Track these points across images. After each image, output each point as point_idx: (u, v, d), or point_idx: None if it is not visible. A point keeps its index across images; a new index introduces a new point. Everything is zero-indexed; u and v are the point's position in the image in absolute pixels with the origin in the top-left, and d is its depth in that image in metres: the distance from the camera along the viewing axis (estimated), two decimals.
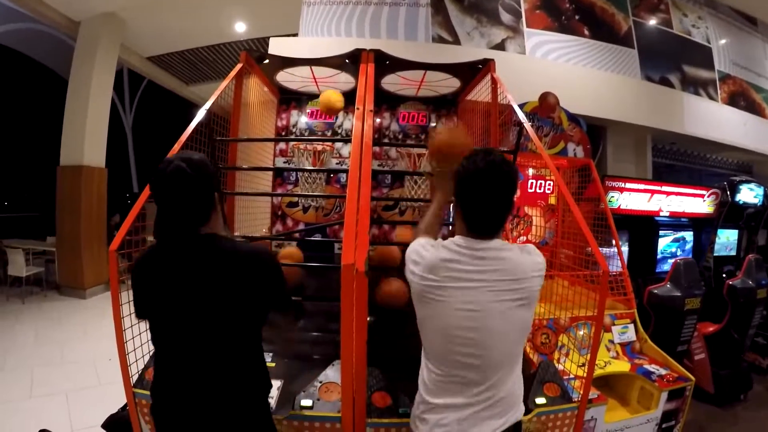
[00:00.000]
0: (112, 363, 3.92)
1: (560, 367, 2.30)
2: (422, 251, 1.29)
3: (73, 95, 6.56)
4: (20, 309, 5.74)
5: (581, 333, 2.61)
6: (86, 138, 6.41)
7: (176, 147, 1.93)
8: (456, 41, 5.04)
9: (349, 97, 3.08)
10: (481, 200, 1.26)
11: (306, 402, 1.65)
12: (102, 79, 6.69)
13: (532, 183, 3.60)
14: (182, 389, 1.28)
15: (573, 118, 3.67)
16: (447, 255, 1.26)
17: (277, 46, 4.37)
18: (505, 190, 1.26)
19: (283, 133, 3.20)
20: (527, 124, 2.16)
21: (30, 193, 11.28)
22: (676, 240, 4.74)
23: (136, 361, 1.73)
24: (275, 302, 1.38)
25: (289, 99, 3.23)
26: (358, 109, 2.06)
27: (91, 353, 4.31)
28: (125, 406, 1.84)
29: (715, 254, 4.78)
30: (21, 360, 4.11)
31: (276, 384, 1.78)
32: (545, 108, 3.32)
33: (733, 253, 5.05)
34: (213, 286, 1.23)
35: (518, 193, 3.11)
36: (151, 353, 1.76)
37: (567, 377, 2.14)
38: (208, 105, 2.17)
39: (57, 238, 6.70)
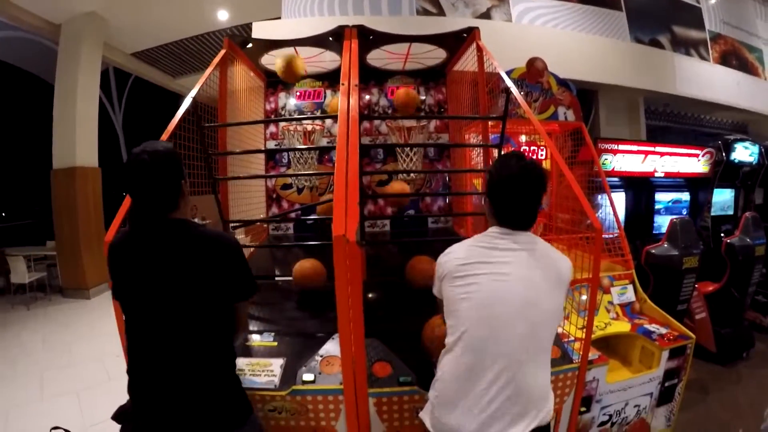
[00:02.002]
0: (120, 360, 3.98)
1: (559, 330, 2.32)
2: (453, 247, 1.40)
3: (60, 98, 6.52)
4: (26, 315, 5.76)
5: (583, 297, 2.62)
6: (77, 139, 6.38)
7: (164, 137, 1.93)
8: (441, 12, 5.01)
9: (336, 75, 3.08)
10: (515, 202, 1.34)
11: (308, 376, 1.66)
12: (88, 79, 6.64)
13: (524, 150, 3.58)
14: (153, 369, 1.32)
15: (562, 82, 3.64)
16: (481, 238, 1.37)
17: (261, 30, 4.35)
18: (536, 192, 1.34)
19: (272, 116, 3.18)
20: (515, 90, 2.15)
21: (26, 200, 11.27)
22: (674, 201, 4.76)
23: None
24: (239, 286, 1.41)
25: (276, 82, 3.20)
26: (343, 84, 2.05)
27: (98, 351, 4.34)
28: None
29: (712, 214, 4.80)
30: (30, 365, 4.14)
31: (278, 362, 1.79)
32: (533, 73, 3.30)
33: (731, 212, 5.08)
34: (178, 269, 1.29)
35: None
36: None
37: (568, 340, 2.16)
38: (193, 93, 2.16)
39: (56, 241, 6.70)
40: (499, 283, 1.26)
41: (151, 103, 11.41)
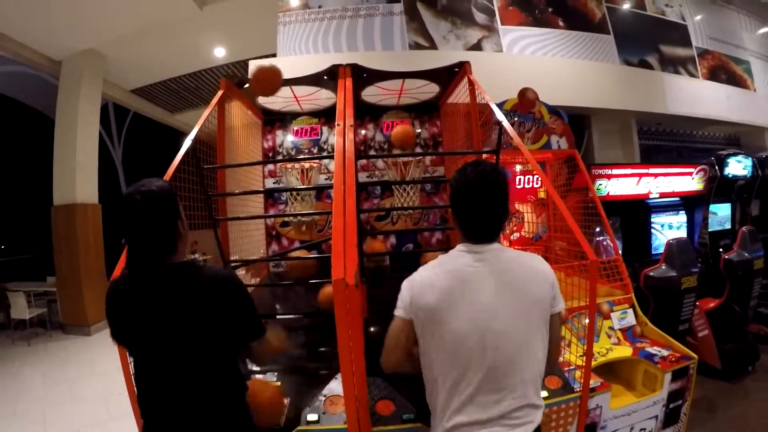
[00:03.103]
0: (122, 398, 3.95)
1: (561, 359, 2.33)
2: (424, 271, 1.36)
3: (60, 134, 6.58)
4: (26, 351, 5.73)
5: (585, 322, 2.64)
6: (77, 176, 6.43)
7: (165, 178, 1.96)
8: (432, 46, 5.11)
9: (332, 112, 3.13)
10: (475, 209, 1.32)
11: (312, 416, 1.68)
12: (88, 115, 6.72)
13: (520, 179, 3.63)
14: (164, 413, 1.31)
15: (554, 110, 3.70)
16: (449, 264, 1.33)
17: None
18: (496, 197, 1.32)
19: (270, 154, 3.23)
20: (506, 123, 2.20)
21: (26, 235, 11.29)
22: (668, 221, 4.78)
23: None
24: (245, 327, 1.40)
25: (273, 120, 3.27)
26: (338, 125, 2.09)
27: (101, 389, 4.31)
28: None
29: (710, 229, 4.81)
30: (32, 402, 4.11)
31: (283, 402, 1.81)
32: (525, 104, 3.35)
33: (728, 226, 5.09)
34: (179, 314, 1.25)
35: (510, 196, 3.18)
36: None
37: (569, 368, 2.17)
38: (192, 134, 2.20)
39: (57, 277, 6.69)
40: (474, 316, 1.24)
41: (151, 139, 11.48)
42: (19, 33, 5.90)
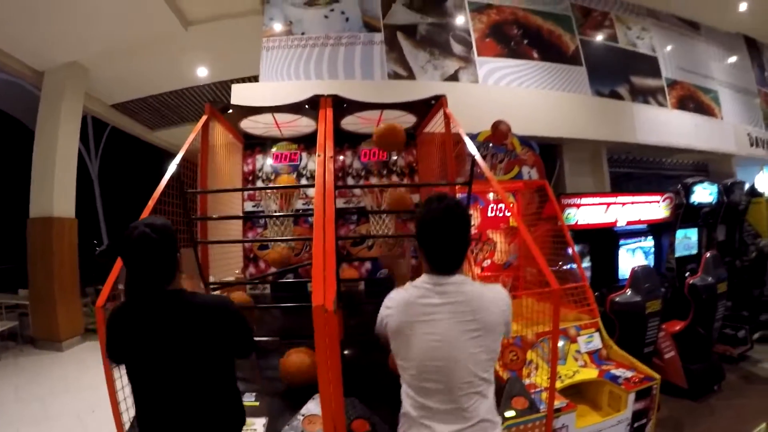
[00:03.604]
0: (96, 415, 3.91)
1: (529, 381, 2.43)
2: (393, 295, 1.51)
3: (40, 146, 6.51)
4: None
5: (549, 347, 2.73)
6: (55, 189, 6.35)
7: (150, 203, 2.02)
8: (411, 76, 5.23)
9: (311, 138, 3.23)
10: (440, 242, 1.43)
11: None
12: (68, 128, 6.65)
13: (492, 207, 3.75)
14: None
15: (526, 142, 3.84)
16: (415, 293, 1.45)
17: (239, 93, 4.50)
18: (460, 231, 1.44)
19: (250, 178, 3.29)
20: (478, 156, 2.31)
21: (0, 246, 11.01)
22: (636, 247, 4.94)
23: (127, 409, 1.76)
24: (240, 348, 1.53)
25: (254, 144, 3.33)
26: (319, 156, 2.17)
27: (74, 406, 4.23)
28: None
29: (677, 254, 4.97)
30: (4, 418, 4.03)
31: (261, 421, 1.88)
32: (498, 136, 3.49)
33: (695, 251, 5.24)
34: (181, 339, 1.37)
35: (473, 230, 3.35)
36: None
37: (537, 390, 2.27)
38: (177, 159, 2.24)
39: (30, 290, 6.55)
40: (433, 344, 1.37)
41: (128, 154, 11.37)
42: (2, 41, 5.86)
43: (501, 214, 3.75)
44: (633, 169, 7.21)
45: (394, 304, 1.48)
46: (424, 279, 1.47)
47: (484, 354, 1.40)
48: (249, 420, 1.82)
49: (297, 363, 2.11)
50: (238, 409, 1.54)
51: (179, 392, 1.38)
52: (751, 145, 7.82)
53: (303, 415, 1.86)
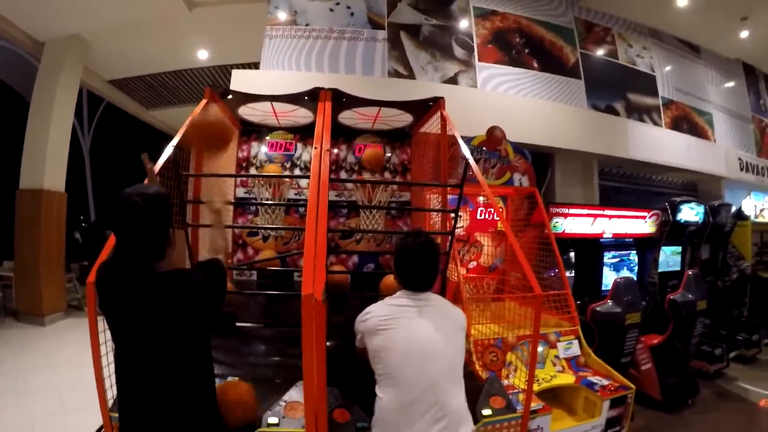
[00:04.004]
0: (76, 391, 3.90)
1: (507, 382, 2.47)
2: (372, 306, 1.71)
3: (34, 117, 6.43)
4: None
5: (529, 350, 2.78)
6: (47, 162, 6.30)
7: (146, 181, 2.01)
8: (411, 75, 5.25)
9: (307, 130, 3.25)
10: (413, 270, 1.71)
11: (272, 419, 1.80)
12: (64, 101, 6.60)
13: (481, 211, 3.80)
14: (141, 400, 1.36)
15: (519, 150, 3.89)
16: (393, 300, 1.70)
17: (239, 79, 4.49)
18: (430, 263, 1.72)
19: (244, 164, 3.30)
20: (471, 160, 2.34)
21: None
22: (620, 260, 5.01)
23: (111, 386, 1.74)
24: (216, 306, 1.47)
25: (250, 131, 3.33)
26: (315, 148, 2.19)
27: (54, 381, 4.22)
28: (99, 429, 1.89)
29: (660, 270, 5.06)
30: None
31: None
32: (492, 141, 3.53)
33: (678, 268, 5.31)
34: (164, 318, 1.31)
35: (461, 232, 3.57)
36: None
37: (514, 391, 2.32)
38: (174, 141, 2.25)
39: (15, 262, 6.49)
40: (411, 334, 1.58)
41: (121, 132, 11.24)
42: (4, 8, 5.78)
43: (489, 218, 3.80)
44: (623, 183, 7.27)
45: (371, 309, 1.69)
46: (399, 293, 1.72)
47: (458, 350, 1.66)
48: None
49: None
50: (211, 381, 1.49)
51: (156, 366, 1.33)
52: (741, 169, 7.95)
53: (285, 402, 1.90)
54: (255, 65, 5.11)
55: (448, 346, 1.61)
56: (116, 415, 1.69)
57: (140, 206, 1.27)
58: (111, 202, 1.33)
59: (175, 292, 1.33)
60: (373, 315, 1.65)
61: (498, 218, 3.65)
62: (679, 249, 5.35)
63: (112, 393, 1.76)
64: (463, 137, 2.55)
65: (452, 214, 2.43)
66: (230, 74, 4.59)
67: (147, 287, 1.31)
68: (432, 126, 3.03)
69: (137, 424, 1.36)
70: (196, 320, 1.37)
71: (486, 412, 2.05)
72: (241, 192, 3.28)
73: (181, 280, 1.37)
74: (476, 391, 2.13)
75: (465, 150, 2.41)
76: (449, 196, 2.96)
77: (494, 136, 3.39)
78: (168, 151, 2.19)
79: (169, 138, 2.30)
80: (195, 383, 1.40)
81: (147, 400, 1.35)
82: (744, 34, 7.52)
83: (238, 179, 3.29)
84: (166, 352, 1.33)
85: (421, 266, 1.71)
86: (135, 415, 1.37)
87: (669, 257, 5.21)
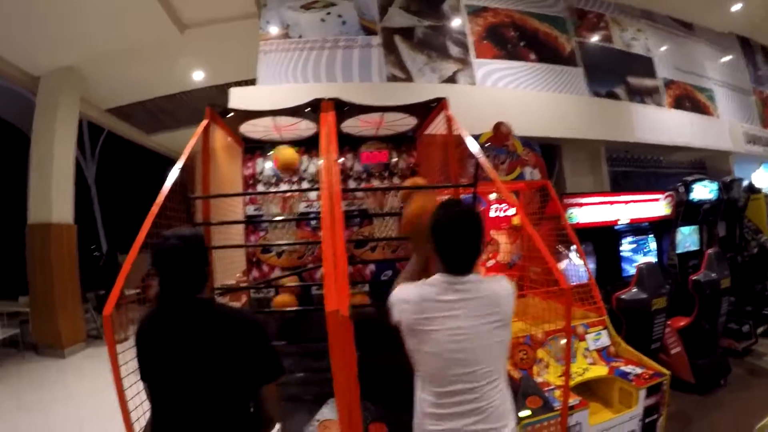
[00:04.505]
0: (99, 423, 3.87)
1: (540, 379, 2.42)
2: (408, 291, 1.52)
3: (36, 152, 6.47)
4: None
5: (559, 343, 2.74)
6: (53, 195, 6.32)
7: (154, 209, 1.98)
8: (409, 78, 5.24)
9: (311, 141, 3.22)
10: (455, 245, 1.49)
11: None
12: (65, 133, 6.62)
13: (495, 207, 3.75)
14: None
15: (527, 143, 3.85)
16: (430, 290, 1.48)
17: (238, 96, 4.48)
18: (474, 234, 1.51)
19: (251, 182, 3.26)
20: (481, 158, 2.30)
21: None
22: (637, 245, 4.95)
23: (138, 419, 1.71)
24: (264, 367, 1.48)
25: (254, 148, 3.30)
26: (323, 160, 2.15)
27: (77, 415, 4.20)
28: None
29: (678, 251, 4.99)
30: (6, 426, 4.00)
31: (276, 427, 1.86)
32: (499, 137, 3.49)
33: (696, 247, 5.26)
34: (208, 348, 1.36)
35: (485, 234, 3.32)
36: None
37: (548, 388, 2.27)
38: (179, 164, 2.22)
39: (30, 297, 6.50)
40: (452, 338, 1.41)
41: (125, 159, 11.32)
42: None
43: (503, 215, 3.75)
44: (632, 167, 7.23)
45: (410, 298, 1.49)
46: (438, 278, 1.50)
47: (503, 346, 1.51)
48: None
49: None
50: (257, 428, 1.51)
51: (200, 404, 1.37)
52: (748, 142, 7.89)
53: (318, 421, 1.87)
54: (252, 82, 5.11)
55: (490, 347, 1.45)
56: None
57: (181, 248, 1.40)
58: (151, 245, 1.47)
59: (219, 317, 1.44)
60: (408, 308, 1.46)
61: (514, 214, 3.60)
62: (695, 228, 5.27)
63: (139, 426, 1.71)
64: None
65: None
66: (228, 93, 4.58)
67: (190, 314, 1.41)
68: (437, 127, 2.98)
69: None
70: (239, 351, 1.40)
71: (524, 413, 2.00)
72: (250, 210, 3.24)
73: (223, 309, 1.52)
74: (512, 392, 2.07)
75: (474, 148, 2.36)
76: (462, 197, 2.91)
77: (501, 131, 3.35)
78: (174, 175, 2.16)
79: (173, 162, 2.27)
80: (236, 421, 1.42)
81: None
82: (736, 7, 7.52)
83: (247, 197, 3.26)
84: (210, 385, 1.37)
85: (462, 242, 1.49)
86: None
87: (686, 237, 5.13)
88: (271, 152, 3.24)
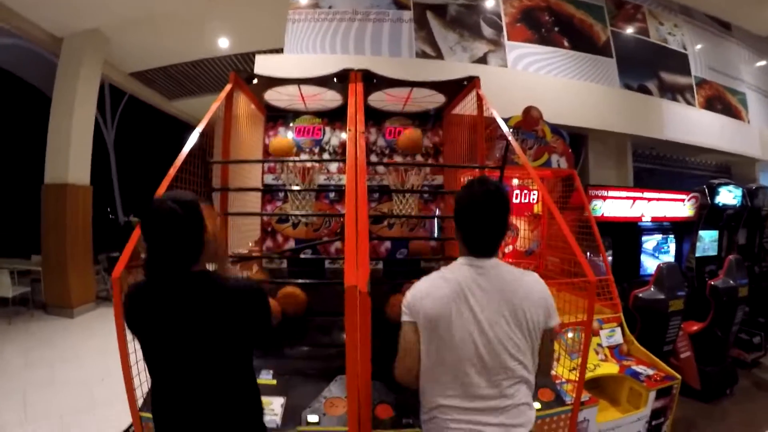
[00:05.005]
0: (105, 384, 3.92)
1: (552, 372, 2.37)
2: (425, 284, 1.42)
3: (56, 113, 6.49)
4: (7, 329, 5.64)
5: (570, 336, 2.69)
6: (71, 156, 6.36)
7: (171, 171, 1.95)
8: (439, 56, 5.15)
9: (334, 114, 3.16)
10: (480, 225, 1.40)
11: (312, 418, 1.72)
12: (86, 96, 6.64)
13: (516, 193, 3.68)
14: (179, 420, 1.32)
15: (556, 130, 3.76)
16: (451, 274, 1.40)
17: (263, 64, 4.44)
18: (500, 215, 1.40)
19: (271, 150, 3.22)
20: (513, 141, 2.23)
21: (14, 211, 11.07)
22: (656, 243, 4.86)
23: (141, 384, 1.70)
24: (260, 337, 1.42)
25: (276, 117, 3.25)
26: (350, 131, 2.09)
27: (83, 374, 4.26)
28: (128, 428, 1.85)
29: (697, 255, 4.90)
30: (12, 382, 4.05)
31: (279, 401, 1.84)
32: (529, 122, 3.41)
33: (714, 253, 5.18)
34: (203, 323, 1.26)
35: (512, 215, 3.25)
36: None
37: (559, 381, 2.22)
38: (200, 128, 2.18)
39: (42, 257, 6.59)
40: (474, 327, 1.32)
41: (145, 124, 11.37)
42: (22, 6, 5.79)
43: (525, 201, 3.69)
44: (656, 165, 7.13)
45: (426, 288, 1.41)
46: (461, 261, 1.43)
47: (524, 339, 1.36)
48: (266, 399, 1.77)
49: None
50: (255, 399, 1.43)
51: (197, 378, 1.29)
52: None
53: (325, 398, 1.82)
54: (277, 51, 5.05)
55: (517, 329, 1.33)
56: (146, 415, 1.65)
57: (177, 213, 1.23)
58: (142, 210, 1.29)
59: (213, 293, 1.30)
60: (429, 300, 1.36)
61: (544, 202, 3.54)
62: (716, 233, 5.16)
63: (141, 392, 1.71)
64: None
65: None
66: (252, 62, 4.55)
67: (183, 289, 1.28)
68: (465, 107, 2.91)
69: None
70: (239, 328, 1.30)
71: (536, 406, 1.95)
72: (269, 179, 3.21)
73: (219, 282, 1.34)
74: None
75: (506, 130, 2.29)
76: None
77: (531, 116, 3.26)
78: (194, 138, 2.12)
79: (193, 129, 2.23)
80: (236, 396, 1.35)
81: (185, 413, 1.31)
82: None
83: (266, 166, 3.22)
84: (207, 363, 1.29)
85: (489, 221, 1.39)
86: (169, 423, 1.33)
87: (705, 242, 5.04)
88: (292, 123, 3.21)
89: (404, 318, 1.42)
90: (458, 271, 1.40)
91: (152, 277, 1.32)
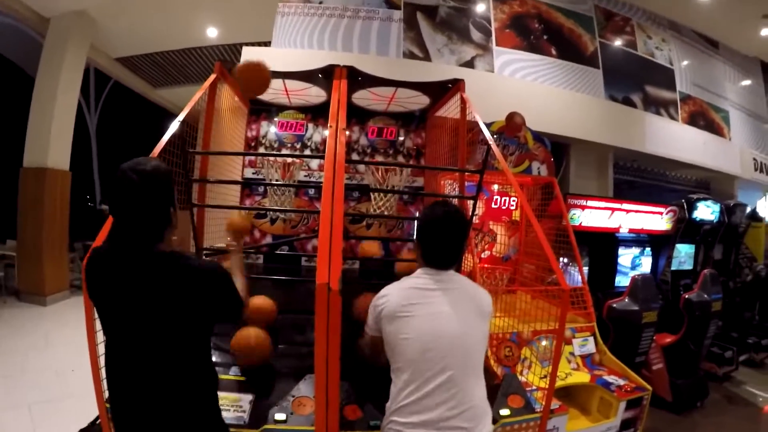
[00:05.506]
0: (76, 375, 3.83)
1: (523, 379, 2.38)
2: (388, 288, 1.54)
3: (39, 94, 6.33)
4: None
5: (543, 344, 2.70)
6: (51, 140, 6.20)
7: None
8: (426, 57, 5.15)
9: (318, 110, 3.14)
10: (439, 243, 1.53)
11: (280, 416, 1.70)
12: (70, 79, 6.48)
13: (496, 199, 3.69)
14: (133, 397, 1.26)
15: (538, 137, 3.77)
16: (415, 280, 1.52)
17: (250, 56, 4.35)
18: (458, 235, 1.55)
19: (253, 144, 3.19)
20: (494, 145, 2.23)
21: None
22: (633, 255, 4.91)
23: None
24: (227, 313, 1.38)
25: (260, 110, 3.22)
26: (331, 126, 2.07)
27: (54, 363, 4.16)
28: (95, 420, 1.80)
29: (672, 268, 4.96)
30: None
31: (248, 398, 1.81)
32: (512, 128, 3.42)
33: (690, 267, 5.23)
34: (159, 297, 1.20)
35: (475, 220, 3.27)
36: None
37: (530, 389, 2.23)
38: (181, 117, 2.14)
39: (18, 242, 6.43)
40: (433, 321, 1.42)
41: (128, 110, 11.21)
42: None
43: (504, 207, 3.69)
44: (637, 177, 7.21)
45: (389, 291, 1.51)
46: (419, 272, 1.55)
47: (480, 339, 1.49)
48: (235, 396, 1.76)
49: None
50: (210, 379, 1.38)
51: (148, 353, 1.23)
52: (756, 169, 7.88)
53: (293, 396, 1.80)
54: (265, 44, 5.00)
55: (470, 335, 1.45)
56: None
57: (135, 183, 1.15)
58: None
59: (174, 273, 1.21)
60: (391, 299, 1.46)
61: (522, 209, 3.55)
62: (692, 247, 5.23)
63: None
64: None
65: (470, 201, 2.30)
66: (240, 53, 4.49)
67: (143, 268, 1.20)
68: (449, 110, 2.91)
69: (130, 421, 1.27)
70: (196, 309, 1.24)
71: (504, 412, 1.96)
72: (249, 172, 3.17)
73: (181, 262, 1.24)
74: (493, 388, 2.02)
75: (487, 134, 2.29)
76: (466, 184, 2.84)
77: (514, 122, 3.27)
78: (174, 126, 2.08)
79: (176, 117, 2.19)
80: (192, 378, 1.29)
81: (139, 394, 1.25)
82: (765, 32, 7.38)
83: (246, 160, 3.18)
84: (161, 343, 1.22)
85: (447, 239, 1.52)
86: (127, 411, 1.27)
87: (682, 256, 5.11)
88: (275, 117, 3.17)
89: (367, 329, 1.59)
90: (418, 279, 1.53)
91: (112, 249, 1.25)
